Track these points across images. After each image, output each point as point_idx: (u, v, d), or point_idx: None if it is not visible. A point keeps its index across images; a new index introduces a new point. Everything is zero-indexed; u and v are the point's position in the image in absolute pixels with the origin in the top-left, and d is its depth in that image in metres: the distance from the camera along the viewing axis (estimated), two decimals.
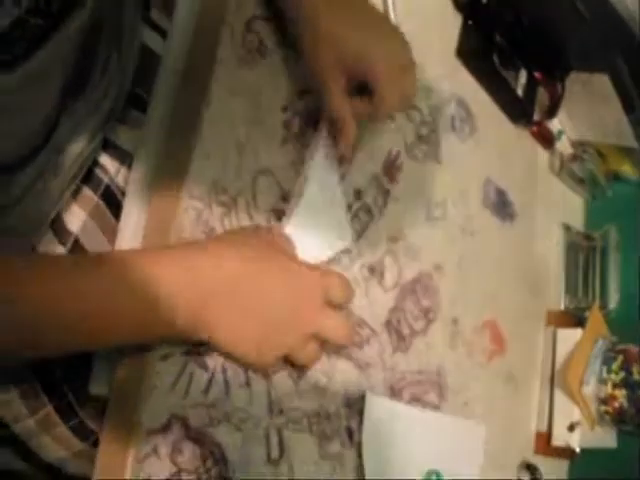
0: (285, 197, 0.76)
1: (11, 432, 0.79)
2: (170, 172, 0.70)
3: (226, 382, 0.68)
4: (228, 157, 0.72)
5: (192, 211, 0.67)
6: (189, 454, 0.64)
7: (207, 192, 0.69)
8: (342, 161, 0.81)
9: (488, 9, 1.08)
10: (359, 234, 0.85)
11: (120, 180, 0.80)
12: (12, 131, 0.60)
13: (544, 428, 1.13)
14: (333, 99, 0.74)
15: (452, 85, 1.05)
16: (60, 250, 0.76)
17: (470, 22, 1.09)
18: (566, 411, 1.10)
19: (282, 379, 0.73)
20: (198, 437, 0.65)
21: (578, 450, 1.10)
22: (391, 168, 0.92)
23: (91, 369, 0.72)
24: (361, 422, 0.80)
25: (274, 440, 0.71)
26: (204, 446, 0.65)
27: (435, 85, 1.01)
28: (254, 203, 0.73)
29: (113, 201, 0.79)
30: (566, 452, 1.12)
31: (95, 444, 0.81)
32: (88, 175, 0.79)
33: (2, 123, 0.58)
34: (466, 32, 1.09)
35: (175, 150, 0.70)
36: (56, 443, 0.81)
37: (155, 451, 0.62)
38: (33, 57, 0.60)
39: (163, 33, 0.88)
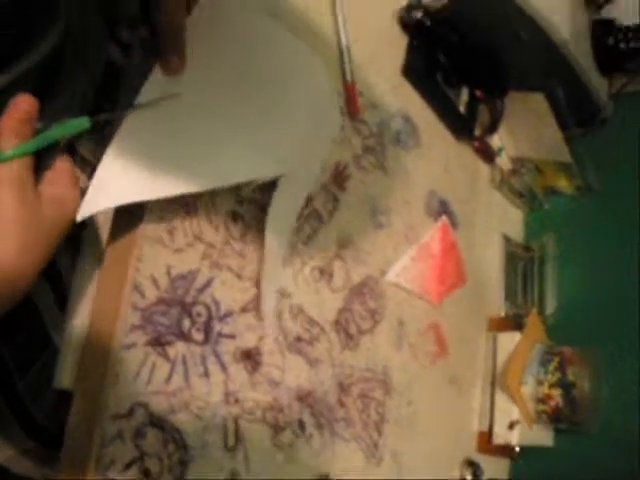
0: (241, 201, 0.81)
1: None
2: None
3: (186, 372, 0.72)
4: None
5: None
6: (152, 439, 0.68)
7: None
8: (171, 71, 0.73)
9: (433, 31, 1.15)
10: (309, 237, 0.90)
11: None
12: None
13: (486, 427, 1.18)
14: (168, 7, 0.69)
15: (398, 101, 1.11)
16: None
17: (415, 42, 1.16)
18: (506, 411, 1.16)
19: (237, 371, 0.77)
20: (160, 423, 0.69)
21: (517, 449, 1.17)
22: (339, 177, 0.97)
23: (41, 360, 0.75)
24: (312, 415, 0.85)
25: (231, 428, 0.76)
26: (165, 432, 0.69)
27: (381, 101, 1.07)
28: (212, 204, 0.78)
29: None
30: (506, 450, 1.18)
31: (44, 443, 0.83)
32: None
33: None
34: (412, 52, 1.15)
35: None
36: (6, 442, 0.82)
37: (120, 435, 0.66)
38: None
39: (127, 48, 0.92)
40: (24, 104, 0.58)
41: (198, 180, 0.72)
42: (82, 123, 0.63)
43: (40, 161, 0.62)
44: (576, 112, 1.26)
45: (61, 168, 0.63)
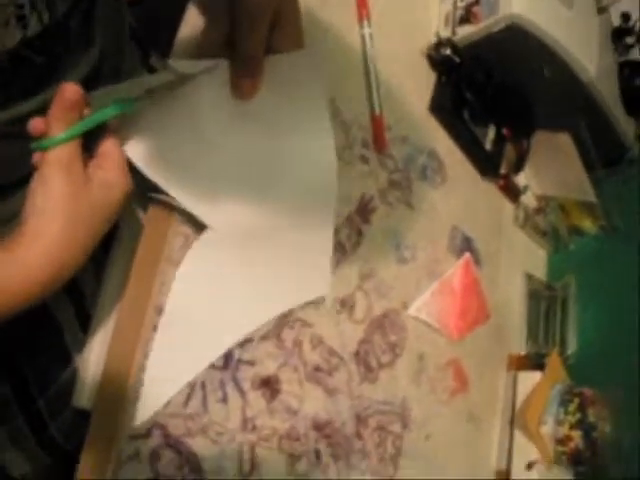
0: None
1: None
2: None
3: (204, 397, 0.73)
4: None
5: (181, 237, 0.73)
6: (167, 461, 0.69)
7: (195, 220, 0.74)
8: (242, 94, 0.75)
9: (461, 68, 1.16)
10: (332, 269, 0.90)
11: None
12: (4, 156, 0.65)
13: (503, 466, 1.17)
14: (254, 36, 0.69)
15: (425, 137, 1.12)
16: None
17: (443, 79, 1.17)
18: (525, 450, 1.15)
19: (256, 398, 0.78)
20: (176, 445, 0.69)
21: None
22: (364, 210, 0.98)
23: (62, 378, 0.76)
24: (328, 445, 0.85)
25: (246, 455, 0.76)
26: (181, 455, 0.70)
27: (409, 136, 1.08)
28: None
29: None
30: None
31: (61, 461, 0.83)
32: None
33: None
34: (439, 88, 1.16)
35: None
36: (24, 458, 0.82)
37: (136, 455, 0.66)
38: (30, 100, 0.65)
39: None
40: (69, 93, 0.60)
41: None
42: (126, 105, 0.64)
43: (90, 145, 0.64)
44: (602, 152, 1.27)
45: (110, 152, 0.65)
